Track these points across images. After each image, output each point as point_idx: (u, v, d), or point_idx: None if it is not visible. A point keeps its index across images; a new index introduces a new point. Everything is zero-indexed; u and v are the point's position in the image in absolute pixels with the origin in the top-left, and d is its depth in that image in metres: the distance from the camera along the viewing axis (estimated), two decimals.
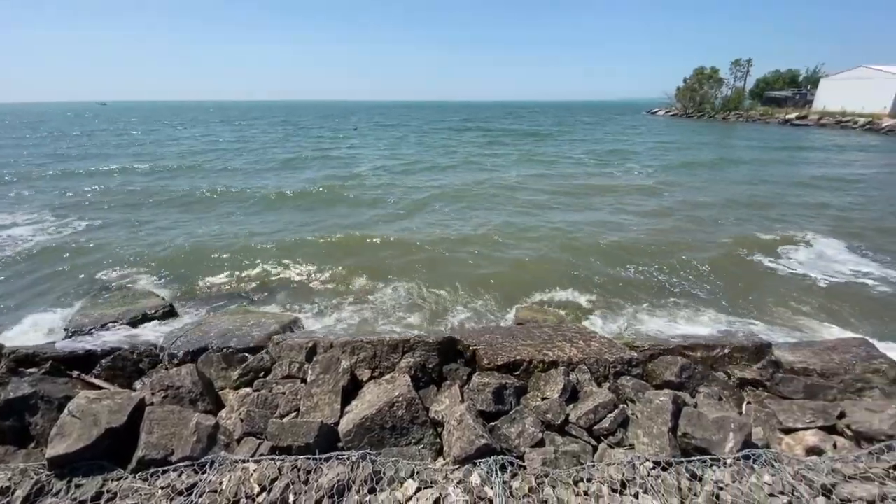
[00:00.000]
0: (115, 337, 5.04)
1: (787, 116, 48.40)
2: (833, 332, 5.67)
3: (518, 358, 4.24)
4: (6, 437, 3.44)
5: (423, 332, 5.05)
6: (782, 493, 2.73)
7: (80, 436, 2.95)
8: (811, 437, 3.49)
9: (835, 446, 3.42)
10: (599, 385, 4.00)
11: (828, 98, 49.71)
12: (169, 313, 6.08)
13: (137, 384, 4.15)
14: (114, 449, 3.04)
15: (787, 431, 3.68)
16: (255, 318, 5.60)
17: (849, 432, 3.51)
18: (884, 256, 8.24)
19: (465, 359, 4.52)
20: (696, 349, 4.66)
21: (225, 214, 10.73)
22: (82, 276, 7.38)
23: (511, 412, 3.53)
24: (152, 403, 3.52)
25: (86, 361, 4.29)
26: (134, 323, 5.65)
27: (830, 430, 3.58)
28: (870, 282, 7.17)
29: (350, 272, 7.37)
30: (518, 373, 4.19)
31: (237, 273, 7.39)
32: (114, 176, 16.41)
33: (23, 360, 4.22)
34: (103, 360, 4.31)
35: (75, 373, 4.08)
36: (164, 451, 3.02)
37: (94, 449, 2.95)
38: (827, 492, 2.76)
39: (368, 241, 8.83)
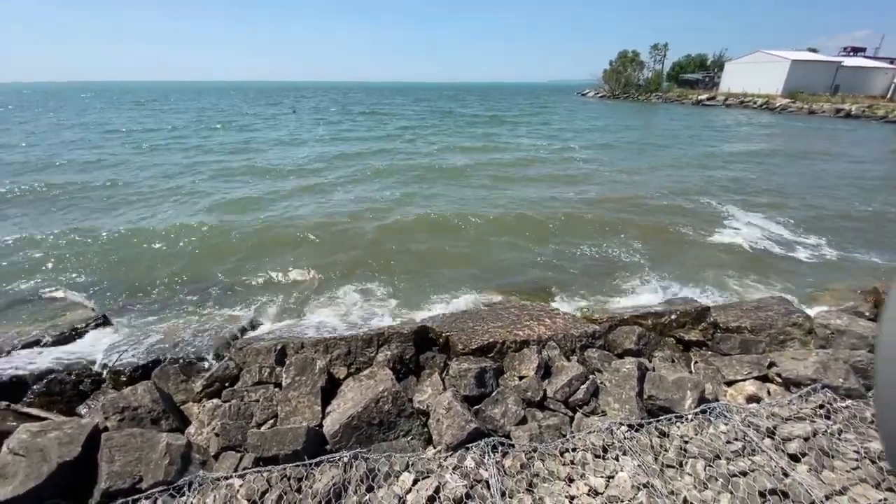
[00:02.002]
0: (43, 357, 4.43)
1: (699, 98, 53.11)
2: (755, 293, 6.45)
3: (491, 340, 4.37)
4: None
5: (394, 324, 5.01)
6: (736, 439, 3.12)
7: (27, 475, 2.60)
8: (749, 387, 3.99)
9: (769, 393, 3.94)
10: (568, 359, 4.25)
11: (731, 80, 55.16)
12: (102, 325, 5.45)
13: (82, 409, 3.72)
14: (70, 485, 2.72)
15: (730, 384, 4.18)
16: (206, 322, 5.21)
17: (779, 380, 4.06)
18: (791, 221, 9.46)
19: (440, 346, 4.57)
20: (647, 318, 5.08)
21: (146, 210, 9.70)
22: None
23: (493, 394, 3.64)
24: (106, 429, 3.18)
25: (13, 389, 3.75)
26: (62, 340, 4.99)
27: (764, 379, 4.12)
28: (781, 244, 8.22)
29: (301, 265, 7.05)
30: (492, 354, 4.32)
31: (172, 275, 6.77)
32: (12, 168, 14.12)
33: None
34: (35, 386, 3.80)
35: (3, 403, 3.55)
36: (132, 478, 2.76)
37: (46, 488, 2.62)
38: (771, 434, 3.19)
39: (317, 232, 8.48)
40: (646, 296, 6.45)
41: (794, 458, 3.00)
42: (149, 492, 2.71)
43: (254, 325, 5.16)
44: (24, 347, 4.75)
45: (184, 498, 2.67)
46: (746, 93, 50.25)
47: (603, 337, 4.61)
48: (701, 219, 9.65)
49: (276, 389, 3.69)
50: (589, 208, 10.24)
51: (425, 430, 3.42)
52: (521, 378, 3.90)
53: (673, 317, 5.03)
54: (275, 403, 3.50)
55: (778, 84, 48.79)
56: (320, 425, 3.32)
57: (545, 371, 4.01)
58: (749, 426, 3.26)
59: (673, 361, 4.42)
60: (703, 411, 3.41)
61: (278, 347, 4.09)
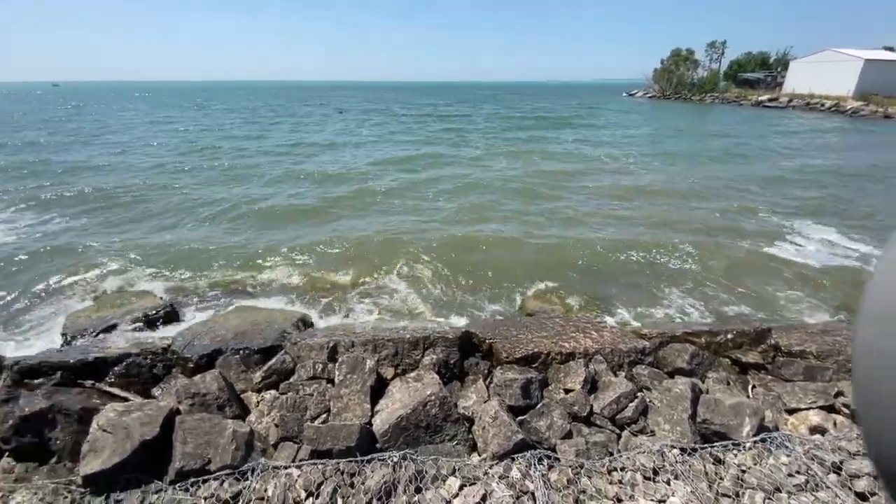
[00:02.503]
0: (120, 341, 4.88)
1: (760, 98, 49.80)
2: (821, 315, 6.02)
3: (536, 350, 4.36)
4: (25, 454, 3.34)
5: (438, 327, 5.10)
6: (799, 472, 2.95)
7: (114, 451, 2.89)
8: (814, 417, 3.75)
9: (835, 425, 3.69)
10: (616, 375, 4.16)
11: (796, 81, 51.33)
12: (170, 314, 5.91)
13: (155, 391, 4.06)
14: (149, 462, 3.00)
15: (792, 412, 3.94)
16: (264, 316, 5.51)
17: (846, 411, 3.79)
18: (866, 239, 8.71)
19: (483, 352, 4.62)
20: (700, 335, 4.87)
21: (213, 209, 10.33)
22: (68, 277, 7.05)
23: (538, 406, 3.64)
24: (179, 412, 3.46)
25: (96, 369, 4.16)
26: (135, 325, 5.48)
27: (830, 409, 3.86)
28: (852, 264, 7.60)
29: (352, 266, 7.30)
30: (537, 365, 4.30)
31: (235, 270, 7.21)
32: (88, 166, 15.52)
33: (28, 372, 4.05)
34: (115, 367, 4.18)
35: (88, 382, 3.96)
36: (202, 460, 3.00)
37: (129, 463, 2.90)
38: (836, 469, 2.99)
39: (370, 236, 8.71)
40: (698, 312, 6.19)
41: (863, 497, 2.80)
42: (216, 473, 2.94)
43: (308, 322, 5.41)
44: (103, 331, 5.26)
45: (247, 482, 2.87)
46: (813, 94, 46.61)
47: (653, 353, 4.48)
48: (763, 232, 9.08)
49: (329, 385, 3.87)
50: (639, 218, 9.89)
51: (470, 436, 3.47)
52: (566, 391, 3.87)
53: (729, 336, 4.80)
54: (328, 399, 3.68)
55: (849, 85, 44.90)
56: (369, 423, 3.45)
57: (592, 385, 3.95)
58: (813, 459, 3.08)
59: (729, 384, 4.22)
60: (763, 440, 3.25)
61: (330, 345, 4.28)
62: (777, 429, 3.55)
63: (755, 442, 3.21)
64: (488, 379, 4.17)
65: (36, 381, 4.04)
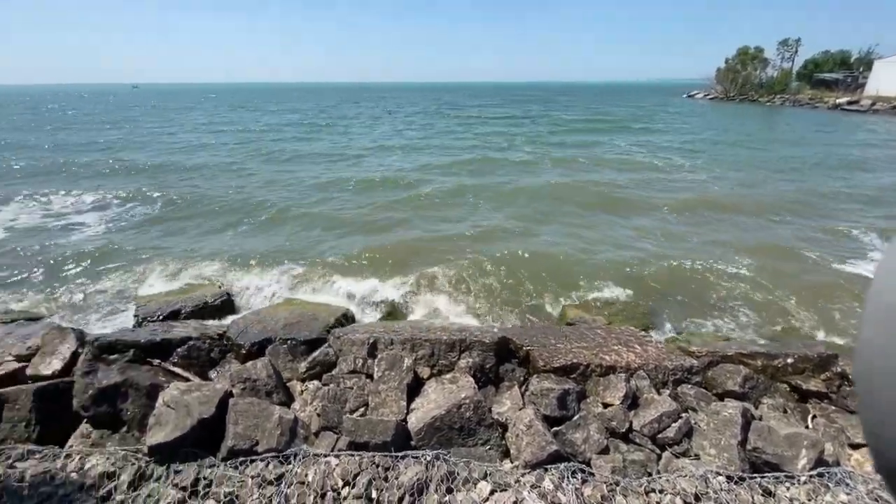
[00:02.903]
0: (183, 325, 5.33)
1: (838, 101, 45.47)
2: None
3: (575, 361, 4.27)
4: (100, 422, 3.75)
5: (475, 331, 5.12)
6: None
7: (175, 425, 3.18)
8: None
9: None
10: (659, 392, 4.00)
11: (881, 82, 46.32)
12: (227, 302, 6.37)
13: (212, 373, 4.40)
14: (204, 438, 3.26)
15: (856, 447, 3.62)
16: (311, 309, 5.81)
17: None
18: None
19: (519, 359, 4.59)
20: (755, 357, 4.57)
21: (268, 211, 10.87)
22: (141, 265, 7.76)
23: (575, 418, 3.58)
24: (232, 394, 3.74)
25: (163, 349, 4.57)
26: (196, 310, 5.95)
27: None
28: None
29: (395, 267, 7.48)
30: (575, 376, 4.22)
31: (286, 266, 7.58)
32: (161, 165, 16.96)
33: (105, 348, 4.52)
34: (179, 349, 4.57)
35: (156, 361, 4.35)
36: (250, 441, 3.23)
37: (188, 438, 3.18)
38: None
39: (412, 238, 8.86)
40: (755, 332, 5.79)
41: None
42: (263, 455, 3.15)
43: (351, 317, 5.64)
44: (167, 317, 5.76)
45: (290, 466, 3.05)
46: None
47: (701, 373, 4.26)
48: (836, 252, 8.25)
49: (368, 380, 4.01)
50: (696, 231, 9.33)
51: (503, 442, 3.48)
52: (605, 405, 3.77)
53: (789, 360, 4.47)
54: (366, 393, 3.82)
55: None
56: (405, 420, 3.55)
57: (632, 402, 3.83)
58: (877, 501, 2.81)
59: (785, 412, 3.93)
60: (821, 475, 3.01)
61: (371, 341, 4.43)
62: (838, 464, 3.27)
63: (811, 476, 2.98)
64: (524, 386, 4.15)
65: (111, 357, 4.50)
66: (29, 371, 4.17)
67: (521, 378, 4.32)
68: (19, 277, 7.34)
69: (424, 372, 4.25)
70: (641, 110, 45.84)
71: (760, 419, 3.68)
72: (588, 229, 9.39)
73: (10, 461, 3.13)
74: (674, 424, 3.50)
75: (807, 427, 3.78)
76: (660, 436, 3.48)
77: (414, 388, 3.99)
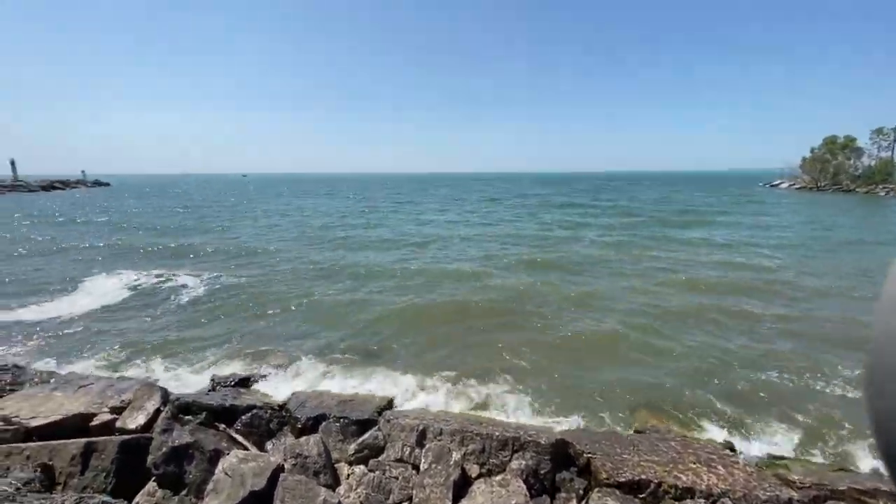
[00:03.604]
0: (251, 393, 5.68)
1: None
2: None
3: (644, 477, 3.79)
4: (166, 482, 3.97)
5: (531, 429, 4.80)
6: None
7: (229, 494, 3.28)
8: None
9: None
10: None
11: None
12: (293, 370, 6.72)
13: (268, 445, 4.55)
14: None
15: None
16: (365, 390, 5.96)
17: None
18: None
19: (579, 467, 4.18)
20: (876, 496, 3.72)
21: (334, 298, 11.18)
22: (224, 327, 8.58)
23: None
24: (283, 468, 3.80)
25: (230, 414, 4.86)
26: (263, 380, 6.33)
27: None
28: None
29: (453, 355, 7.42)
30: (644, 495, 3.72)
31: (345, 349, 7.80)
32: (252, 245, 19.28)
33: (183, 409, 4.92)
34: (243, 417, 4.83)
35: (222, 426, 4.63)
36: None
37: None
38: None
39: (475, 329, 8.69)
40: (871, 461, 4.73)
41: None
42: None
43: (400, 401, 5.62)
44: (238, 384, 6.17)
45: None
46: None
47: None
48: None
49: (414, 472, 3.88)
50: (794, 334, 8.23)
51: None
52: None
53: None
54: (411, 486, 3.67)
55: None
56: None
57: None
58: None
59: None
60: None
61: (420, 428, 4.34)
62: None
63: None
64: (583, 501, 3.72)
65: (186, 418, 4.86)
66: (118, 423, 4.64)
67: (581, 491, 3.89)
68: (129, 333, 8.44)
69: (473, 470, 4.02)
70: (722, 201, 42.81)
71: None
72: (666, 329, 8.64)
73: None
74: None
75: None
76: None
77: (461, 486, 3.76)
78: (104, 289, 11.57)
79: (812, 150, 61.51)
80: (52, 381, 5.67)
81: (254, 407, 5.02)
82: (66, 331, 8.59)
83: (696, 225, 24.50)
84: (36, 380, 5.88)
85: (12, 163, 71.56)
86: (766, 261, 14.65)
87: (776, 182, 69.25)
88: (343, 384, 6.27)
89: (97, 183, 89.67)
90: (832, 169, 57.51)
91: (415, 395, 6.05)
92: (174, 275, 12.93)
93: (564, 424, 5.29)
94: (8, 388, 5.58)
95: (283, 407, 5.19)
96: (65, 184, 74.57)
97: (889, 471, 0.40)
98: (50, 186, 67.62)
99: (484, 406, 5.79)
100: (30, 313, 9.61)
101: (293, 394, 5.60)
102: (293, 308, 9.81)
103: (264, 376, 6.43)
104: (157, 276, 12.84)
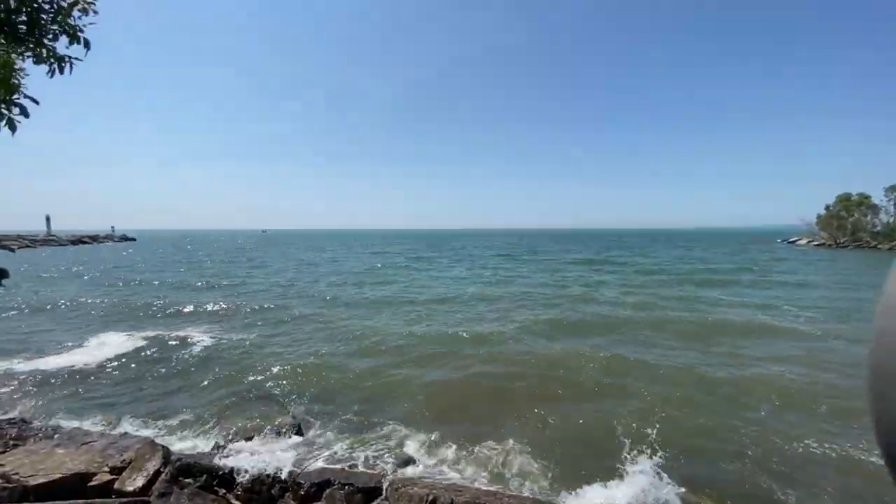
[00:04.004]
0: (254, 455, 5.45)
1: None
2: None
3: None
4: None
5: None
6: None
7: None
8: None
9: None
10: None
11: None
12: (297, 433, 6.47)
13: None
14: None
15: None
16: (373, 450, 5.68)
17: None
18: None
19: None
20: None
21: (346, 358, 10.95)
22: (231, 386, 8.44)
23: None
24: None
25: (230, 478, 4.64)
26: (267, 440, 6.10)
27: None
28: None
29: (468, 419, 7.07)
30: None
31: (357, 405, 7.57)
32: (266, 294, 19.51)
33: (184, 470, 4.73)
34: (243, 481, 4.61)
35: (221, 491, 4.41)
36: None
37: None
38: None
39: (492, 393, 8.31)
40: None
41: None
42: None
43: (412, 461, 5.34)
44: (245, 439, 5.97)
45: None
46: None
47: None
48: None
49: None
50: (837, 410, 7.63)
51: None
52: None
53: None
54: None
55: None
56: None
57: None
58: None
59: None
60: None
61: (430, 499, 4.07)
62: None
63: None
64: None
65: (186, 481, 4.66)
66: (116, 485, 4.46)
67: None
68: (135, 389, 8.36)
69: None
70: (741, 258, 41.53)
71: None
72: (715, 405, 8.00)
73: None
74: None
75: None
76: None
77: None
78: (113, 343, 11.66)
79: (827, 208, 61.40)
80: (55, 436, 5.56)
81: (255, 471, 4.80)
82: (74, 384, 8.58)
83: (721, 284, 23.13)
84: (40, 435, 5.78)
85: (47, 219, 76.05)
86: (808, 325, 13.34)
87: (793, 239, 68.45)
88: (349, 450, 6.00)
89: (124, 238, 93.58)
90: (849, 226, 56.96)
91: (424, 462, 5.72)
92: (184, 332, 13.00)
93: (585, 501, 4.89)
94: (12, 442, 5.49)
95: (285, 472, 4.95)
96: (93, 238, 78.26)
97: (892, 474, 0.39)
98: (78, 241, 70.99)
99: (498, 478, 5.41)
100: (38, 365, 9.68)
101: (296, 458, 5.37)
102: (300, 371, 9.60)
103: (268, 438, 6.20)
104: (166, 332, 12.92)
